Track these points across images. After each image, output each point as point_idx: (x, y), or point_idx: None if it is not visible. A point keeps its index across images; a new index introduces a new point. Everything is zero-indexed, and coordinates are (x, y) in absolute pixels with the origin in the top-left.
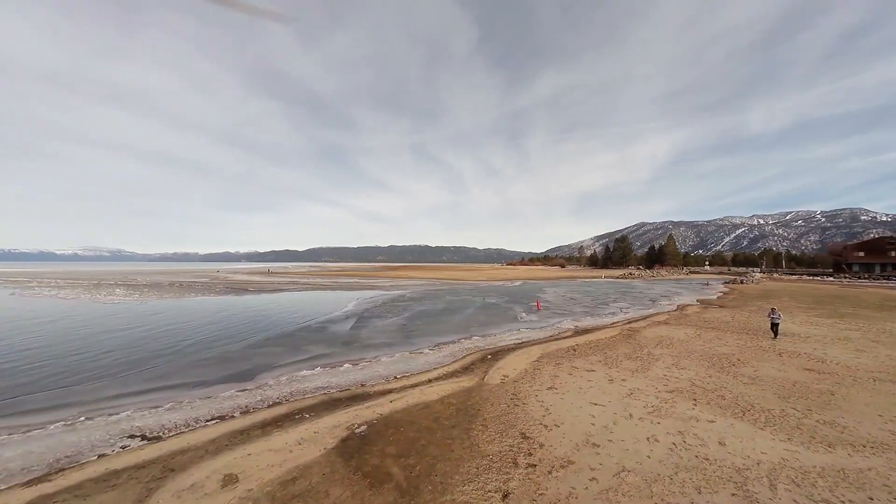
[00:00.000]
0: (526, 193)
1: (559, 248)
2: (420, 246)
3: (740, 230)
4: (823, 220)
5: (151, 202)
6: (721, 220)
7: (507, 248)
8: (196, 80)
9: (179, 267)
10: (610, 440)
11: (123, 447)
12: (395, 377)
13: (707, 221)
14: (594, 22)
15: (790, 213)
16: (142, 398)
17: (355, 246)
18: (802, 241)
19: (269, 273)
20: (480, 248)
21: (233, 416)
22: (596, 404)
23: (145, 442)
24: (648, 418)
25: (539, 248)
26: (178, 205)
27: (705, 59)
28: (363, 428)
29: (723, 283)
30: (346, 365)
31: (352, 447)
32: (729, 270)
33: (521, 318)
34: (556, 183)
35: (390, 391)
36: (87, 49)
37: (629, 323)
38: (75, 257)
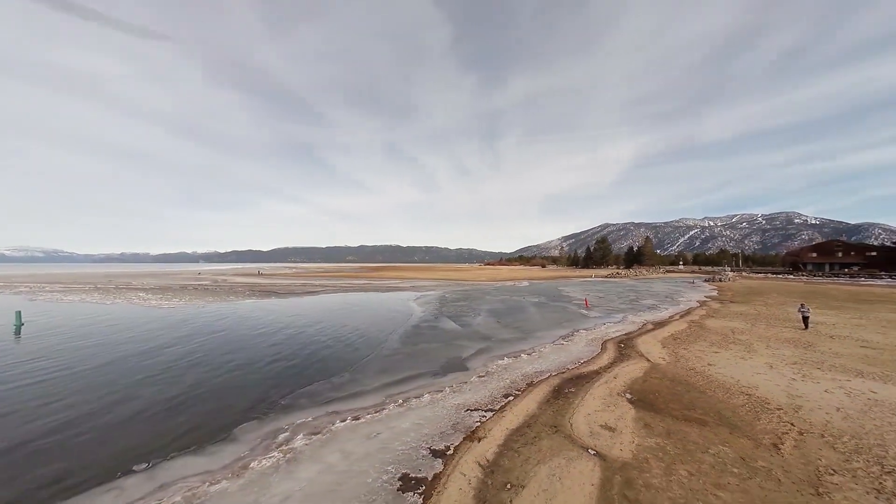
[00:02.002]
0: (498, 193)
1: (529, 247)
2: (391, 246)
3: (693, 231)
4: (764, 222)
5: (96, 197)
6: (677, 221)
7: (479, 248)
8: (151, 66)
9: (132, 269)
10: (801, 395)
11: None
12: (578, 363)
13: (664, 223)
14: (566, 29)
15: (736, 215)
16: (407, 385)
17: (324, 245)
18: (746, 242)
19: (260, 274)
20: (452, 247)
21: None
22: (757, 374)
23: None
24: (807, 380)
25: (510, 247)
26: (127, 201)
27: (666, 70)
28: (629, 395)
29: (705, 281)
30: (523, 356)
31: (638, 402)
32: (700, 269)
33: (586, 314)
34: (528, 183)
35: (598, 373)
36: (21, 28)
37: (682, 317)
38: (1, 258)
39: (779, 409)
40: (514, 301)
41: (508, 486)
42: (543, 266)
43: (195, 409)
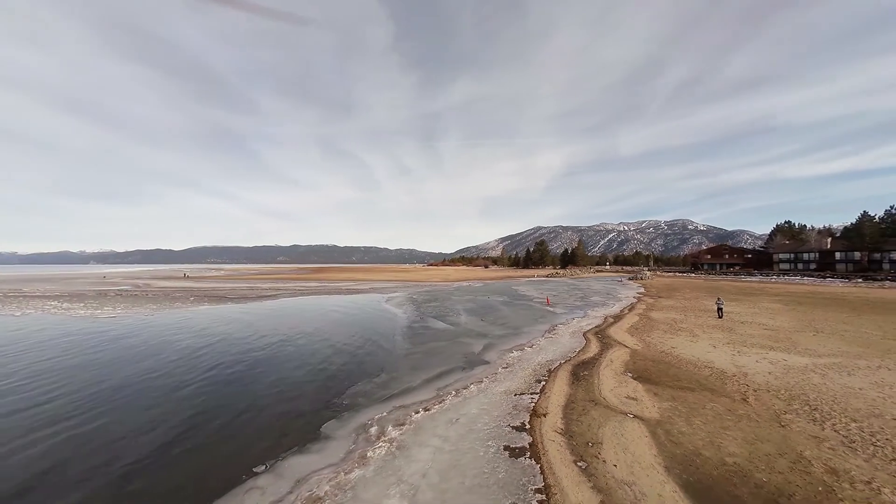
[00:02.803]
0: (439, 194)
1: (468, 248)
2: (327, 246)
3: (611, 234)
4: (666, 227)
5: None
6: (598, 225)
7: (419, 249)
8: (20, 21)
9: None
10: (742, 365)
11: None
12: (575, 352)
13: (588, 226)
14: (504, 39)
15: (645, 221)
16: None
17: (249, 245)
18: (653, 244)
19: (187, 277)
20: (392, 248)
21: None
22: (707, 353)
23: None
24: (742, 355)
25: (450, 248)
26: None
27: (590, 88)
28: (630, 374)
29: (630, 279)
30: (527, 349)
31: (640, 378)
32: (623, 269)
33: (552, 311)
34: (467, 186)
35: (595, 359)
36: None
37: (630, 312)
38: None
39: (734, 376)
40: (482, 301)
41: (590, 443)
42: (486, 266)
43: (272, 412)
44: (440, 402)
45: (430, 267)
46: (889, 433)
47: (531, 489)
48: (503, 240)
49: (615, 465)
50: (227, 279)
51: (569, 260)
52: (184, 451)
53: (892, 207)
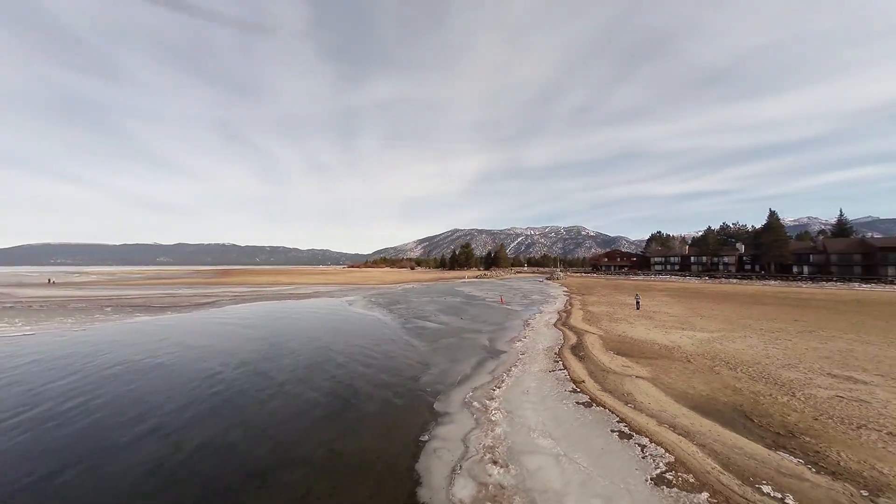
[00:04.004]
0: (356, 193)
1: (386, 249)
2: (223, 245)
3: (520, 238)
4: (564, 232)
5: None
6: (508, 229)
7: (334, 249)
8: None
9: None
10: (674, 340)
11: None
12: (561, 339)
13: (500, 230)
14: (426, 46)
15: (548, 226)
16: None
17: (116, 243)
18: (554, 247)
19: (52, 284)
20: (303, 248)
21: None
22: (648, 334)
23: None
24: (668, 334)
25: (367, 249)
26: None
27: (505, 102)
28: (612, 351)
29: (548, 279)
30: (525, 339)
31: (620, 354)
32: (538, 270)
33: (511, 308)
34: (387, 186)
35: (580, 342)
36: None
37: (573, 307)
38: None
39: (673, 348)
40: (443, 302)
41: (625, 394)
42: (412, 268)
43: (393, 402)
44: (502, 382)
45: (354, 269)
46: (769, 370)
47: (613, 422)
48: (421, 241)
49: (648, 404)
50: (114, 285)
51: (492, 262)
52: (369, 424)
53: (724, 224)
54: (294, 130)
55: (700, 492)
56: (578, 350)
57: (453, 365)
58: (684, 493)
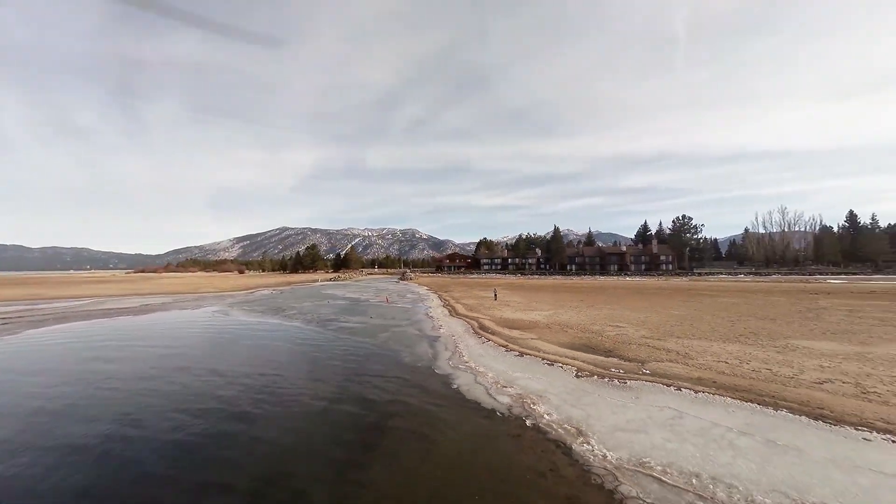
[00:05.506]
0: (139, 173)
1: (189, 248)
2: None
3: (357, 239)
4: (400, 235)
5: None
6: (346, 230)
7: (99, 249)
8: None
9: None
10: (535, 317)
11: None
12: (470, 325)
13: (336, 230)
14: (257, 7)
15: (385, 228)
16: None
17: None
18: (391, 249)
19: None
20: (35, 246)
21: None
22: (516, 314)
23: None
24: (530, 314)
25: (158, 248)
26: None
27: (347, 100)
28: (508, 328)
29: (401, 279)
30: (443, 328)
31: (513, 327)
32: (387, 271)
33: (405, 307)
34: (192, 170)
35: (484, 326)
36: None
37: (447, 302)
38: None
39: (536, 322)
40: (332, 305)
41: (533, 348)
42: (241, 272)
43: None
44: (462, 353)
45: (150, 274)
46: (587, 326)
47: (539, 360)
48: (241, 239)
49: (547, 349)
50: None
51: (342, 263)
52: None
53: (528, 233)
54: (24, 65)
55: (578, 370)
56: (486, 329)
57: (413, 349)
58: (574, 370)
